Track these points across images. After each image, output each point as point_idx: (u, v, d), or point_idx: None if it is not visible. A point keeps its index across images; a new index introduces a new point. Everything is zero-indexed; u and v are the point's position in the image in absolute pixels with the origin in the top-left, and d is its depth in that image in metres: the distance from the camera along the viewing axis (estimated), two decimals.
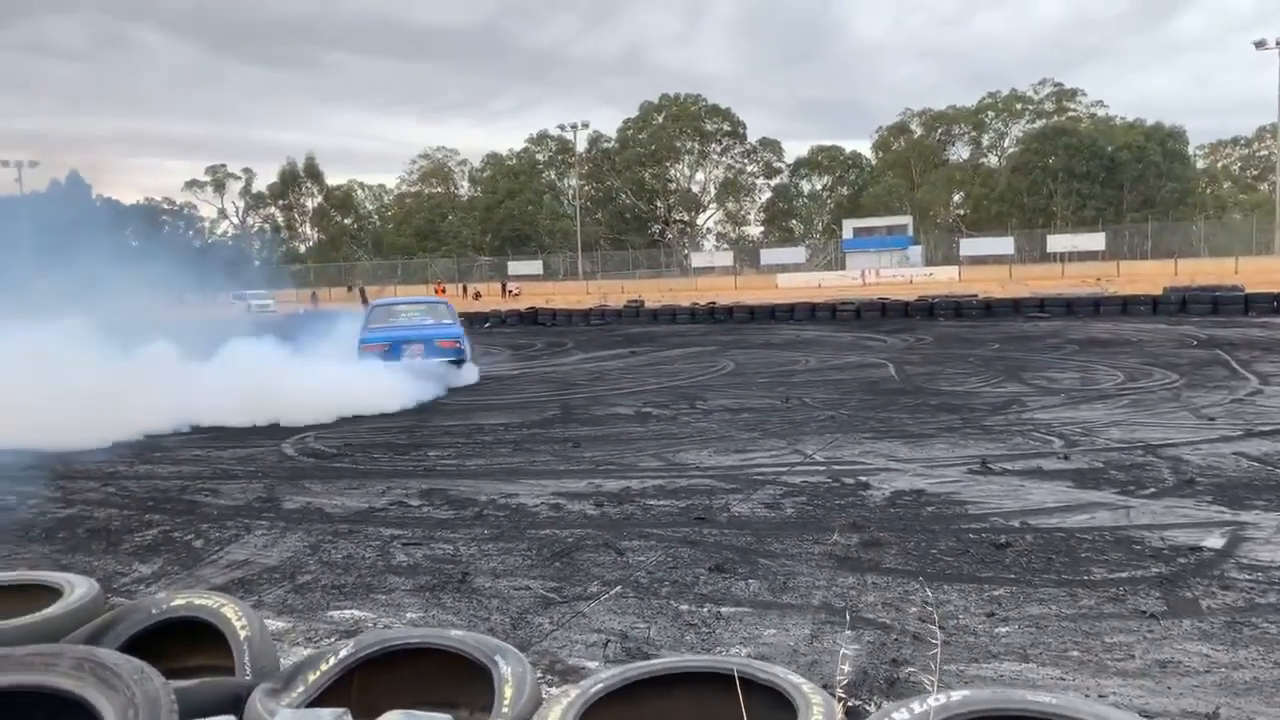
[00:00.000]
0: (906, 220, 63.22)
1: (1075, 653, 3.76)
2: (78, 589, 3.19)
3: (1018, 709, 2.03)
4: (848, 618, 3.75)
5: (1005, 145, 73.08)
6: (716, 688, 2.50)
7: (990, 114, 72.66)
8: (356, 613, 4.57)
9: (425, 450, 9.02)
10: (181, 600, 2.95)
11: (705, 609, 4.40)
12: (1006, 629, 4.03)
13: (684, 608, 4.43)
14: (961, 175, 72.38)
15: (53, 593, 3.23)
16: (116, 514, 6.81)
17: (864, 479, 6.91)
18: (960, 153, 74.64)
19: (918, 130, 74.53)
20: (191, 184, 78.03)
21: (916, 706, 2.00)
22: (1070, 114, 69.81)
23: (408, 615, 4.51)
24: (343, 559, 5.48)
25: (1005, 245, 57.86)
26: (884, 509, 6.06)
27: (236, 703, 2.50)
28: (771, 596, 4.55)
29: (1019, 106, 71.68)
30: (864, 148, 77.19)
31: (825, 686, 2.65)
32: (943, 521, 5.73)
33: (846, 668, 2.78)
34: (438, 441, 9.48)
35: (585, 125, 67.31)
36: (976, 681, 3.55)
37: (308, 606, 4.68)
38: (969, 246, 59.00)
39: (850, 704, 3.13)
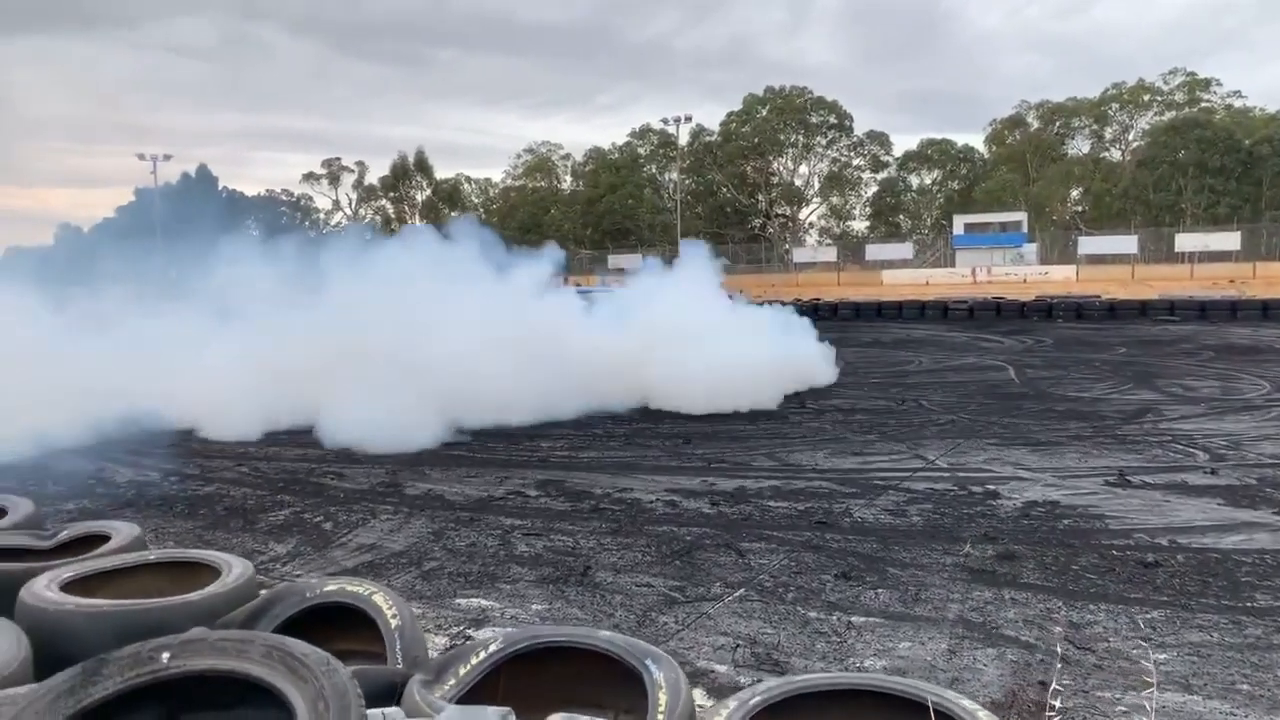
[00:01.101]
0: (1021, 216, 60.67)
1: (1245, 686, 3.50)
2: (234, 569, 3.31)
3: None
4: (1058, 649, 3.55)
5: (1130, 139, 69.28)
6: (872, 705, 2.40)
7: (1114, 105, 68.97)
8: (482, 601, 4.63)
9: (538, 441, 9.12)
10: (334, 586, 3.02)
11: (835, 617, 4.28)
12: (1164, 655, 3.77)
13: (812, 615, 4.32)
14: (1081, 170, 68.98)
15: (211, 571, 3.36)
16: (251, 493, 7.11)
17: (992, 487, 6.62)
18: (1080, 146, 71.14)
19: (1034, 123, 71.40)
20: (309, 176, 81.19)
21: None
22: (1203, 105, 65.66)
23: (533, 607, 4.54)
24: (466, 547, 5.58)
25: (1128, 244, 54.91)
26: (1016, 520, 5.80)
27: (391, 691, 2.53)
28: (904, 608, 4.39)
29: (1146, 98, 67.80)
30: (976, 141, 74.38)
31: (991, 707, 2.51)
32: (1081, 536, 5.44)
33: (1057, 703, 2.60)
34: (549, 432, 9.58)
35: (688, 119, 66.99)
36: (1135, 711, 3.33)
37: (435, 593, 4.77)
38: (1088, 245, 56.25)
39: None
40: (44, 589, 3.03)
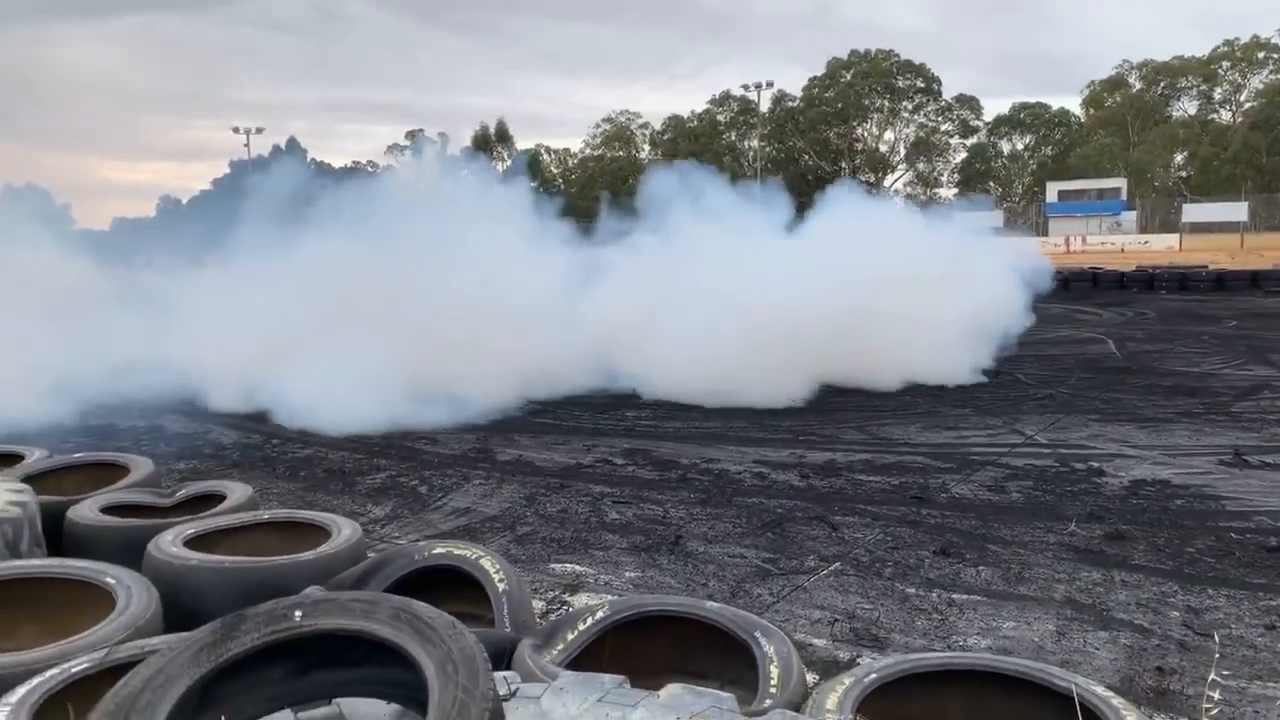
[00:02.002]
0: (1120, 183, 58.05)
1: None
2: (344, 530, 3.40)
3: None
4: (1216, 638, 3.40)
5: (1241, 99, 65.47)
6: (992, 686, 2.33)
7: (1225, 64, 65.13)
8: (576, 567, 4.68)
9: (623, 410, 9.13)
10: (442, 549, 3.08)
11: (935, 594, 4.18)
12: None
13: (911, 591, 4.23)
14: (1186, 133, 65.46)
15: (321, 531, 3.46)
16: (349, 457, 7.32)
17: (1096, 465, 6.37)
18: (1185, 108, 67.54)
19: (1136, 84, 67.99)
20: (393, 148, 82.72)
21: None
22: None
23: (626, 574, 4.56)
24: (557, 512, 5.64)
25: (1237, 211, 52.00)
26: (1124, 499, 5.56)
27: (500, 654, 2.57)
28: (1006, 586, 4.27)
29: (1260, 55, 63.77)
30: (1073, 104, 71.35)
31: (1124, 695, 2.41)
32: (1196, 517, 5.19)
33: (1216, 695, 2.48)
34: (634, 401, 9.58)
35: (769, 85, 65.89)
36: (1262, 701, 3.16)
37: (530, 558, 4.83)
38: (1192, 212, 53.46)
39: None
40: (170, 544, 3.16)
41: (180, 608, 2.89)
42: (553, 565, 4.72)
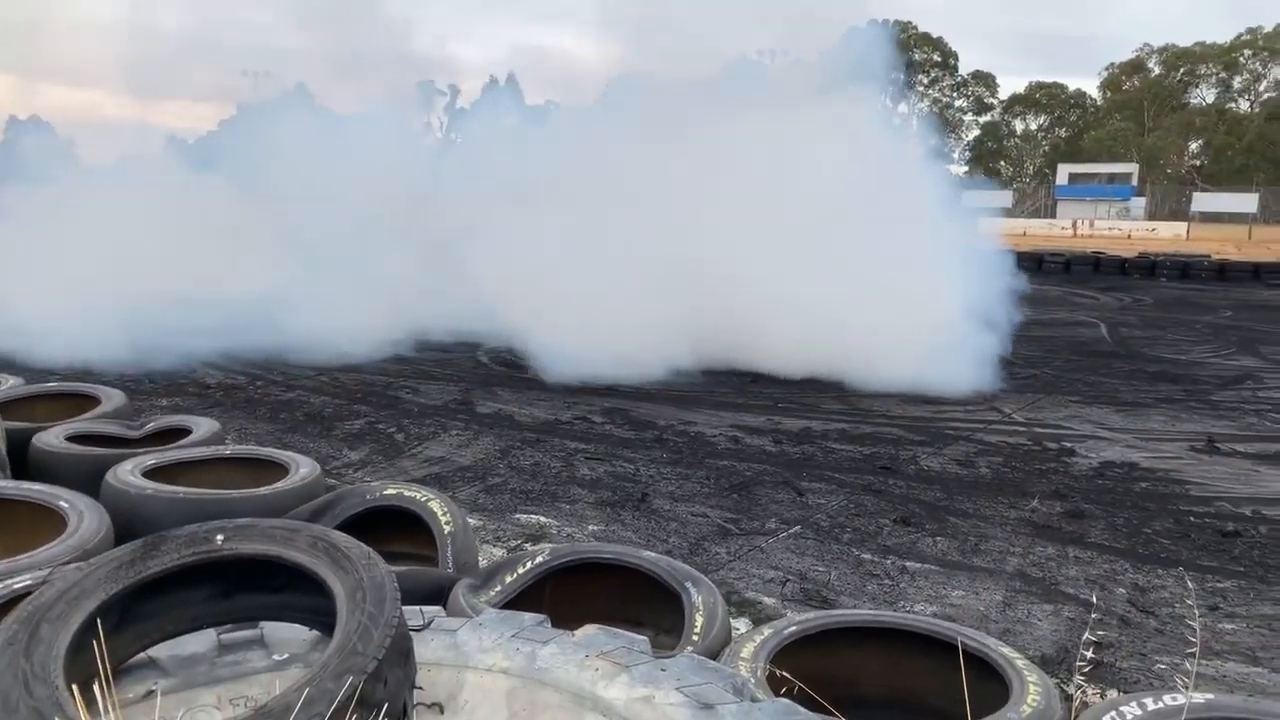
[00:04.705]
0: (1132, 168, 57.52)
1: None
2: (302, 468, 3.45)
3: None
4: (1094, 599, 3.48)
5: (1261, 89, 64.60)
6: (909, 645, 2.38)
7: (1246, 53, 64.18)
8: (541, 518, 4.74)
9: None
10: (393, 490, 3.13)
11: (889, 561, 4.25)
12: (1232, 626, 3.64)
13: (866, 557, 4.30)
14: (1203, 121, 64.67)
15: (281, 469, 3.51)
16: (329, 402, 7.37)
17: (1068, 445, 6.42)
18: (1204, 96, 66.68)
19: (1155, 69, 67.08)
20: (401, 98, 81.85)
21: (1152, 704, 1.80)
22: None
23: (589, 527, 4.63)
24: (530, 466, 5.69)
25: (1247, 202, 51.53)
26: (1090, 479, 5.62)
27: (438, 593, 2.63)
28: (960, 557, 4.33)
29: None
30: (1090, 86, 70.48)
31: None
32: (1158, 500, 5.24)
33: (1089, 653, 2.55)
34: None
35: (784, 52, 65.19)
36: (1193, 677, 3.23)
37: (497, 507, 4.90)
38: (1203, 201, 53.03)
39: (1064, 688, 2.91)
40: (128, 474, 3.21)
41: (135, 535, 2.94)
42: (518, 516, 4.78)
